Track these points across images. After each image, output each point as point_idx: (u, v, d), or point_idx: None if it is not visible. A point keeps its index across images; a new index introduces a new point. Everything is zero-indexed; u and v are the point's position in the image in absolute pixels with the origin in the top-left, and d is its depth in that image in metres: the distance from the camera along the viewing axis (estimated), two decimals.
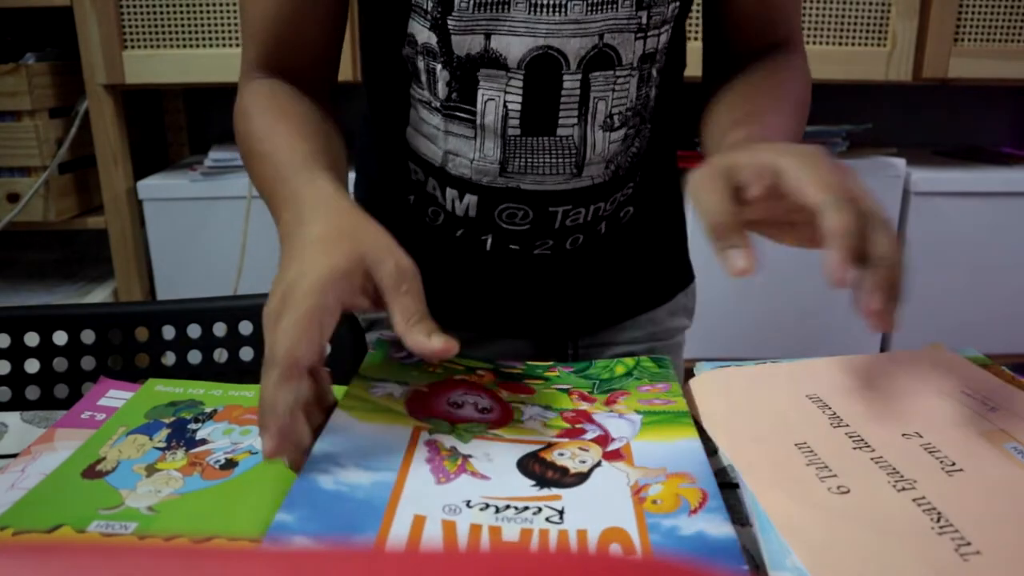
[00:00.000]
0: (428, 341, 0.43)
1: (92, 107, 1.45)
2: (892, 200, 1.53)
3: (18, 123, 1.41)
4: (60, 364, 0.67)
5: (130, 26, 1.42)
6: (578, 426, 0.48)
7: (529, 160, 0.62)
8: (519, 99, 0.60)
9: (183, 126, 1.77)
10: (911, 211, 1.54)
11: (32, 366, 0.67)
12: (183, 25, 1.42)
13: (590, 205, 0.65)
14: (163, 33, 1.43)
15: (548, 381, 0.55)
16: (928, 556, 0.36)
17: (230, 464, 0.45)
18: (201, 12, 1.42)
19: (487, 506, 0.39)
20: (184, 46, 1.43)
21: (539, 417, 0.49)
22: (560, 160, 0.62)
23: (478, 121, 0.61)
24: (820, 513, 0.40)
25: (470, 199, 0.64)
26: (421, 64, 0.60)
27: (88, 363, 0.67)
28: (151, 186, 1.50)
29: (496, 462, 0.43)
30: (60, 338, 0.67)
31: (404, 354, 0.55)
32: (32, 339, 0.66)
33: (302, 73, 0.63)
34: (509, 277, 0.70)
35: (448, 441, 0.45)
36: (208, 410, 0.52)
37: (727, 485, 0.45)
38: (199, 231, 1.52)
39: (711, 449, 0.49)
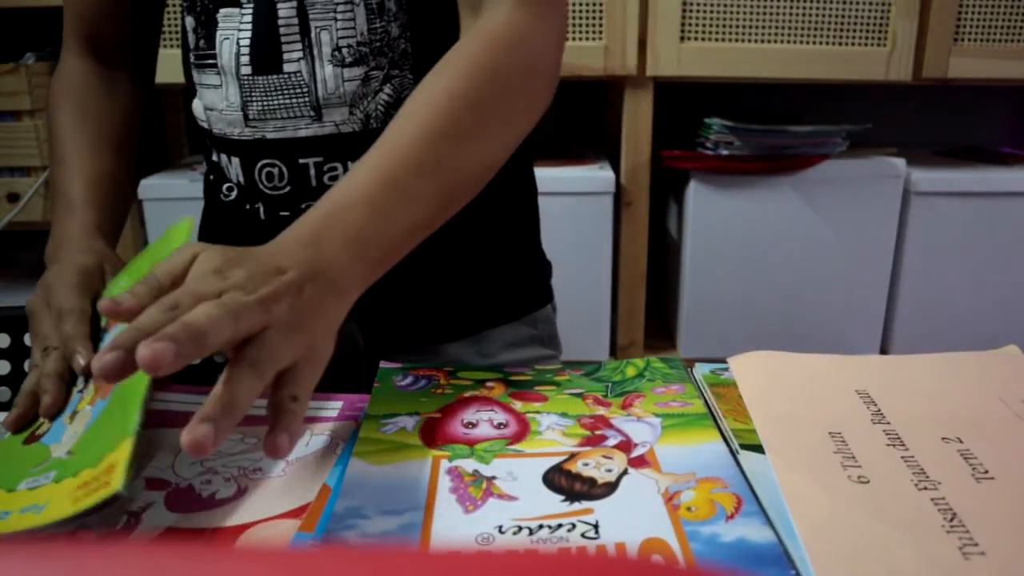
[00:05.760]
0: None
1: None
2: (892, 200, 1.53)
3: (18, 123, 1.41)
4: None
5: None
6: (598, 432, 0.47)
7: (265, 103, 0.60)
8: (249, 35, 0.59)
9: (183, 126, 1.77)
10: (911, 211, 1.54)
11: None
12: (182, 25, 1.42)
13: (347, 161, 0.62)
14: (162, 33, 1.42)
15: (559, 386, 0.54)
16: (927, 550, 0.36)
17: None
18: None
19: (520, 529, 0.38)
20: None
21: (557, 426, 0.48)
22: (294, 101, 0.60)
23: (219, 64, 0.61)
24: (832, 496, 0.40)
25: (235, 162, 0.64)
26: (183, 22, 0.63)
27: None
28: (151, 186, 1.50)
29: (521, 480, 0.43)
30: None
31: (409, 381, 0.55)
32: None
33: (116, 45, 0.70)
34: None
35: (470, 465, 0.44)
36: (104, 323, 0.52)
37: None
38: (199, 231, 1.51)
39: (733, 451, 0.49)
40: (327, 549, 0.15)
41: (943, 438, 0.46)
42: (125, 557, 0.15)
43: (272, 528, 0.41)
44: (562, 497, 0.41)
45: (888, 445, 0.45)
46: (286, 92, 0.60)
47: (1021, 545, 0.36)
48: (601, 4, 1.42)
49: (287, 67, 0.59)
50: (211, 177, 0.71)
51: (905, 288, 1.58)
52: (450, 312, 0.71)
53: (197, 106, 0.66)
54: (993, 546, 0.36)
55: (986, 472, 0.43)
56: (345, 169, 0.62)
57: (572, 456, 0.45)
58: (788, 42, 1.46)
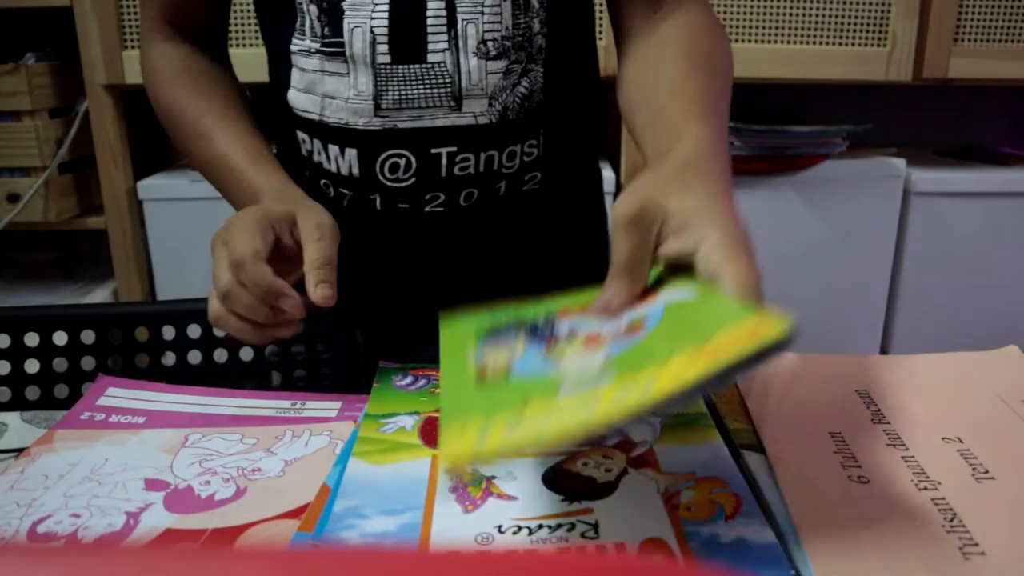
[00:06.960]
0: (313, 290, 0.50)
1: (92, 107, 1.45)
2: (892, 200, 1.53)
3: (18, 123, 1.41)
4: (60, 364, 0.67)
5: (130, 26, 1.42)
6: None
7: (403, 92, 0.61)
8: (385, 23, 0.60)
9: None
10: (911, 211, 1.54)
11: (32, 366, 0.66)
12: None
13: (480, 152, 0.63)
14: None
15: None
16: (927, 550, 0.36)
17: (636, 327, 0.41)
18: None
19: (519, 528, 0.39)
20: None
21: None
22: (435, 90, 0.61)
23: (348, 52, 0.61)
24: (832, 496, 0.40)
25: (350, 153, 0.64)
26: (299, 5, 0.63)
27: (88, 363, 0.67)
28: (151, 186, 1.50)
29: (521, 480, 0.43)
30: (60, 338, 0.66)
31: (409, 381, 0.55)
32: (32, 339, 0.66)
33: (201, 26, 0.71)
34: (406, 251, 0.69)
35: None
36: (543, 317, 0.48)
37: None
38: (199, 231, 1.51)
39: (734, 451, 0.49)
40: (327, 549, 0.15)
41: (943, 438, 0.46)
42: (125, 557, 0.15)
43: (272, 528, 0.41)
44: (561, 497, 0.41)
45: (888, 445, 0.45)
46: (427, 82, 0.61)
47: (1021, 545, 0.36)
48: (601, 4, 1.42)
49: (431, 57, 0.60)
50: (306, 174, 0.69)
51: (905, 288, 1.58)
52: (529, 288, 0.71)
53: (299, 98, 0.65)
54: (993, 546, 0.36)
55: (986, 472, 0.43)
56: (478, 162, 0.63)
57: (571, 456, 0.45)
58: (788, 42, 1.46)
